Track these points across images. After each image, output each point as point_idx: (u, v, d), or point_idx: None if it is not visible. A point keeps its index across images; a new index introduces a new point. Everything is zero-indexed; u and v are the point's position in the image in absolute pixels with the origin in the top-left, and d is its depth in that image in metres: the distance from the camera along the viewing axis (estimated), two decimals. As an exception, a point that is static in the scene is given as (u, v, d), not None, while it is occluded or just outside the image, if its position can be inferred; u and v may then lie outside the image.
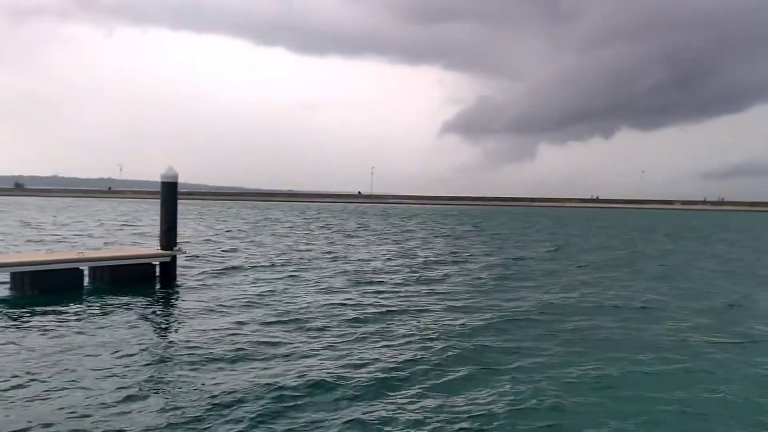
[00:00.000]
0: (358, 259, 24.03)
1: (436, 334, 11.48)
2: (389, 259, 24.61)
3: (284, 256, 24.76)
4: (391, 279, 18.83)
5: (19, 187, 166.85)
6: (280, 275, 19.10)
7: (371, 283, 17.98)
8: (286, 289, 16.53)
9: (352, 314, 13.20)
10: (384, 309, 13.92)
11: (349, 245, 30.75)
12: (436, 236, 39.44)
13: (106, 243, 27.56)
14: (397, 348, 10.50)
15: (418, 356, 9.97)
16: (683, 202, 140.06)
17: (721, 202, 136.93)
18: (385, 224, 53.10)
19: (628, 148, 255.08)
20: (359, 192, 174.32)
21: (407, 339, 11.14)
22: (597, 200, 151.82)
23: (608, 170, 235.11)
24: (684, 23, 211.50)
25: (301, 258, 24.05)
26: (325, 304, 14.27)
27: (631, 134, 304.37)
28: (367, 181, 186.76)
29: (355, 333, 11.54)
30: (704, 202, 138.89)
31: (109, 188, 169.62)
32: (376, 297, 15.57)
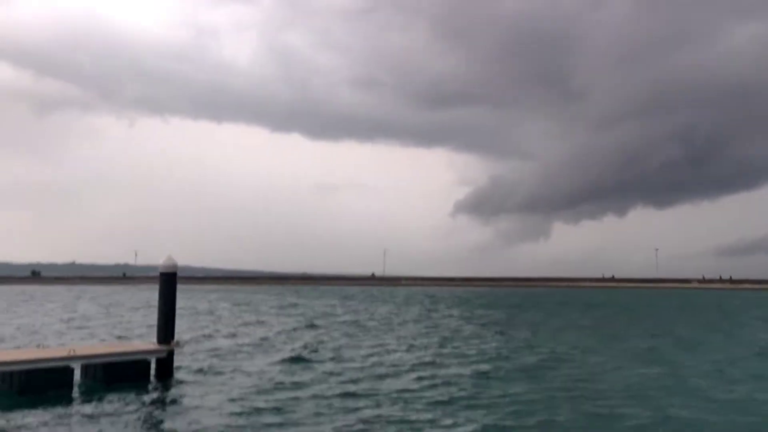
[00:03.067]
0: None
1: None
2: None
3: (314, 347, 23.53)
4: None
5: (35, 275, 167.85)
6: (295, 367, 18.39)
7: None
8: (299, 384, 15.72)
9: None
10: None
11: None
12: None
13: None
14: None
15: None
16: (700, 281, 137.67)
17: (741, 281, 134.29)
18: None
19: (643, 225, 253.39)
20: (373, 274, 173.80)
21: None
22: (612, 279, 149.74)
23: (623, 248, 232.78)
24: (697, 100, 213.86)
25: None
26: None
27: (645, 212, 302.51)
28: (380, 262, 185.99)
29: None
30: (722, 281, 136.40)
31: (124, 274, 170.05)
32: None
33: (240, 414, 12.33)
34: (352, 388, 15.24)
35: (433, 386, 15.63)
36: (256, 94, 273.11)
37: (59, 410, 12.53)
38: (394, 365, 18.98)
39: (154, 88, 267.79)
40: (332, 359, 20.12)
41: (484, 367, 18.89)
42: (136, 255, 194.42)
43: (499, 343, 25.42)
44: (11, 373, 13.96)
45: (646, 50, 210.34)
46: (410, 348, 23.48)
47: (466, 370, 18.16)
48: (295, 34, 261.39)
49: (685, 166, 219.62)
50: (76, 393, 14.29)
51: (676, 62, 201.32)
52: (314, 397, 14.05)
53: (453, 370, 18.18)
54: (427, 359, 20.40)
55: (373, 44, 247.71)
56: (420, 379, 16.68)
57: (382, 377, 16.87)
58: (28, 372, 13.83)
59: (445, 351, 22.76)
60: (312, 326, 32.72)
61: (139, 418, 12.14)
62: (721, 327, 35.06)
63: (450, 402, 13.81)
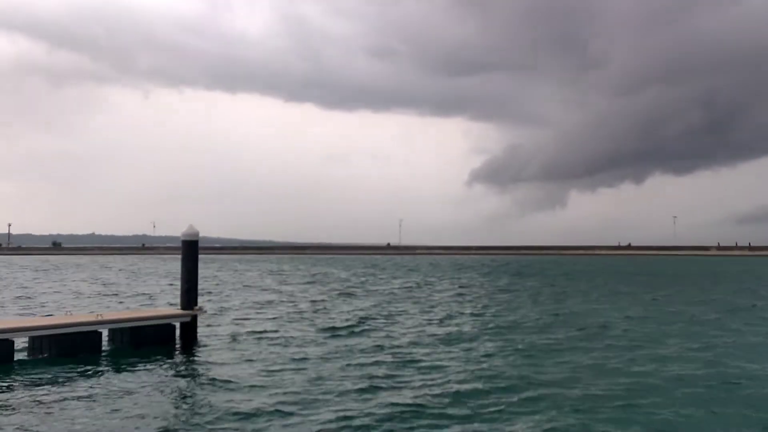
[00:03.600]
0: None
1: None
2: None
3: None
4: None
5: (56, 245, 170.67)
6: (314, 333, 18.63)
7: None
8: (323, 352, 15.59)
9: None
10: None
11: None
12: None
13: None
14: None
15: None
16: (719, 248, 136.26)
17: (760, 248, 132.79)
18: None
19: (661, 193, 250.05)
20: (388, 243, 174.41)
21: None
22: (629, 247, 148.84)
23: (640, 216, 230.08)
24: (716, 66, 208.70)
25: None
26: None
27: (663, 179, 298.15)
28: (396, 232, 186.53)
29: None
30: (740, 248, 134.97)
31: (143, 245, 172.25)
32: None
33: (264, 376, 12.58)
34: (384, 358, 14.83)
35: (470, 359, 14.96)
36: (270, 64, 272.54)
37: (89, 373, 12.88)
38: (428, 336, 18.32)
39: (168, 59, 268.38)
40: (362, 330, 19.67)
41: (530, 336, 18.38)
42: (154, 226, 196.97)
43: (539, 312, 24.69)
44: (41, 338, 14.33)
45: (664, 15, 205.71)
46: (444, 318, 22.81)
47: (507, 341, 17.56)
48: (308, 2, 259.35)
49: (704, 133, 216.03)
50: (104, 356, 14.67)
51: (694, 27, 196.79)
52: (343, 367, 13.65)
53: (493, 340, 17.74)
54: (463, 328, 19.93)
55: (389, 12, 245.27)
56: (457, 349, 16.14)
57: (416, 348, 16.14)
58: (58, 337, 14.21)
59: (483, 320, 22.33)
60: (341, 295, 32.80)
61: (163, 380, 12.47)
62: (759, 293, 34.63)
63: (492, 374, 13.11)
